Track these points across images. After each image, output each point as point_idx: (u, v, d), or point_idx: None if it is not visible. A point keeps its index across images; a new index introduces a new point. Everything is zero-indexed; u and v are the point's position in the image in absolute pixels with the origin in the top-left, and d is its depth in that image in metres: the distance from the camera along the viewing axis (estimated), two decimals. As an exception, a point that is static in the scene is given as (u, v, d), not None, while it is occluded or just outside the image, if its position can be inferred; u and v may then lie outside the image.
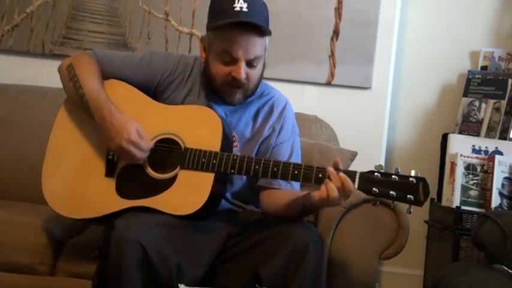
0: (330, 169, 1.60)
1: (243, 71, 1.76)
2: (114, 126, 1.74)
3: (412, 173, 1.58)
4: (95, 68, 1.88)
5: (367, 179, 1.59)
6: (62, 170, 1.86)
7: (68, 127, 1.89)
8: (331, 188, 1.58)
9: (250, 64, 1.78)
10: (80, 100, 1.83)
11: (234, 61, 1.76)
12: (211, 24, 1.79)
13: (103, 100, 1.79)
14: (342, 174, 1.59)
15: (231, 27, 1.73)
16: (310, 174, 1.63)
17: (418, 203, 1.56)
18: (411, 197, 1.56)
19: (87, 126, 1.85)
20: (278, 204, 1.79)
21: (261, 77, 1.86)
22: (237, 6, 1.72)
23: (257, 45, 1.77)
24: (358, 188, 1.59)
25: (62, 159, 1.87)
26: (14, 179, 2.49)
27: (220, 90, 1.82)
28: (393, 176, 1.58)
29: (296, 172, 1.65)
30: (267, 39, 1.81)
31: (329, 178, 1.59)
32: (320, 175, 1.62)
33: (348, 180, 1.58)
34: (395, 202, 1.64)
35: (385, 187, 1.58)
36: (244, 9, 1.72)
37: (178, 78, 1.91)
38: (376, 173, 1.59)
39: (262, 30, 1.76)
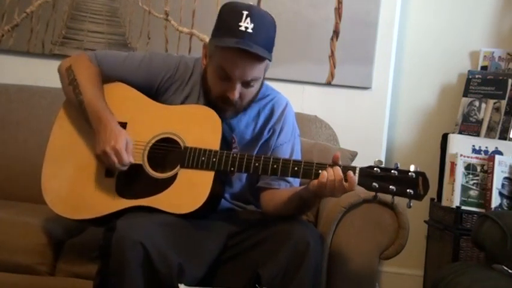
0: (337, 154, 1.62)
1: (237, 92, 1.73)
2: (106, 132, 1.74)
3: (412, 168, 1.58)
4: (95, 73, 1.87)
5: (366, 174, 1.59)
6: (61, 171, 1.85)
7: (67, 128, 1.89)
8: (330, 174, 1.58)
9: (246, 84, 1.74)
10: (79, 105, 1.83)
11: (229, 79, 1.72)
12: (214, 38, 1.75)
13: (101, 108, 1.79)
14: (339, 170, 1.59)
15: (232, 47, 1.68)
16: (310, 170, 1.63)
17: (418, 197, 1.57)
18: (411, 191, 1.56)
19: (86, 127, 1.85)
20: (277, 202, 1.79)
21: (256, 95, 1.83)
22: (243, 25, 1.67)
23: (255, 69, 1.72)
24: (358, 183, 1.59)
25: (61, 160, 1.87)
26: (14, 179, 2.49)
27: (214, 103, 1.80)
28: (393, 171, 1.59)
29: (296, 168, 1.65)
30: (268, 61, 1.76)
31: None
32: (320, 171, 1.62)
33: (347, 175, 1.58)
34: (396, 203, 1.64)
35: (385, 182, 1.58)
36: (249, 30, 1.66)
37: (178, 81, 1.89)
38: (375, 168, 1.60)
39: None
